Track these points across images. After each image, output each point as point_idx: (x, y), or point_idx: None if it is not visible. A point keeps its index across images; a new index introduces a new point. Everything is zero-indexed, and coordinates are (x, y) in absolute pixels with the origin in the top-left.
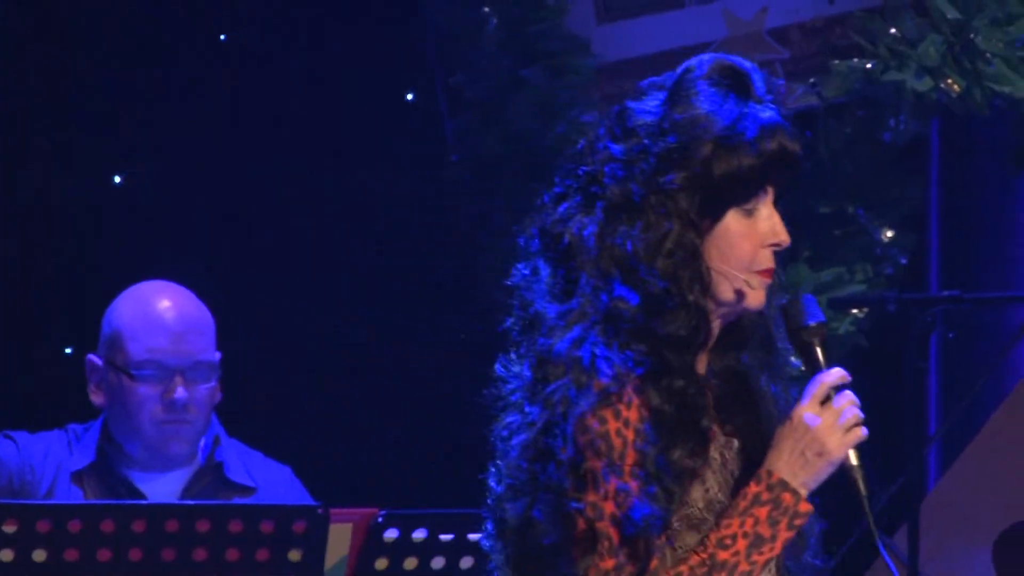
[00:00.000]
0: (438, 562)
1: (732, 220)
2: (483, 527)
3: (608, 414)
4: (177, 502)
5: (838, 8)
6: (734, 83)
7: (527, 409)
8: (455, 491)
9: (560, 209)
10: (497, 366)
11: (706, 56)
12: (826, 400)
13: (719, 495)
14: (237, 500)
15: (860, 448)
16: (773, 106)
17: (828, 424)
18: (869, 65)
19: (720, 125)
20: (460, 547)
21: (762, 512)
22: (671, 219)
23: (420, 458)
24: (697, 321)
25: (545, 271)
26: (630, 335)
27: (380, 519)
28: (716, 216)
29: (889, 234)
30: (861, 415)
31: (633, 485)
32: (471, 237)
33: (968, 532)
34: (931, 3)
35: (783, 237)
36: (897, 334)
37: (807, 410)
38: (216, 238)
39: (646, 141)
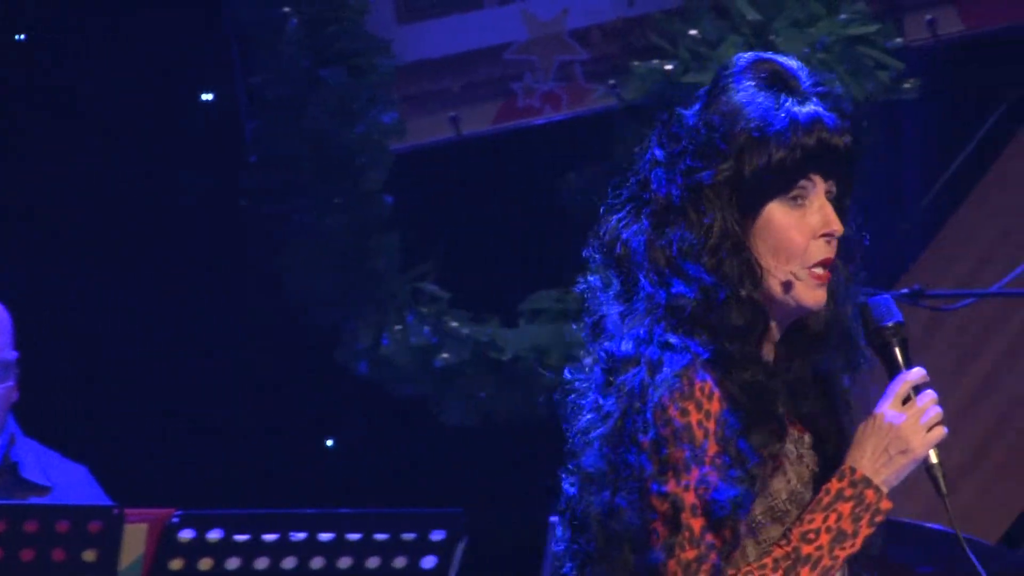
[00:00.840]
0: (233, 562)
1: (777, 212)
2: (554, 532)
3: (690, 406)
4: None
5: (638, 9)
6: (770, 78)
7: (602, 403)
8: (250, 492)
9: (613, 219)
10: (566, 372)
11: (747, 54)
12: (908, 399)
13: (799, 487)
14: (33, 500)
15: (940, 447)
16: (817, 100)
17: (911, 422)
18: (669, 66)
19: (751, 119)
20: (255, 547)
21: (846, 508)
22: (711, 215)
23: (216, 459)
24: (751, 313)
25: (609, 280)
26: (692, 325)
27: (175, 519)
28: (756, 209)
29: None
30: (942, 414)
31: (715, 473)
32: (272, 237)
33: None
34: (731, 4)
35: (834, 227)
36: None
37: (890, 408)
38: (10, 237)
39: (685, 142)
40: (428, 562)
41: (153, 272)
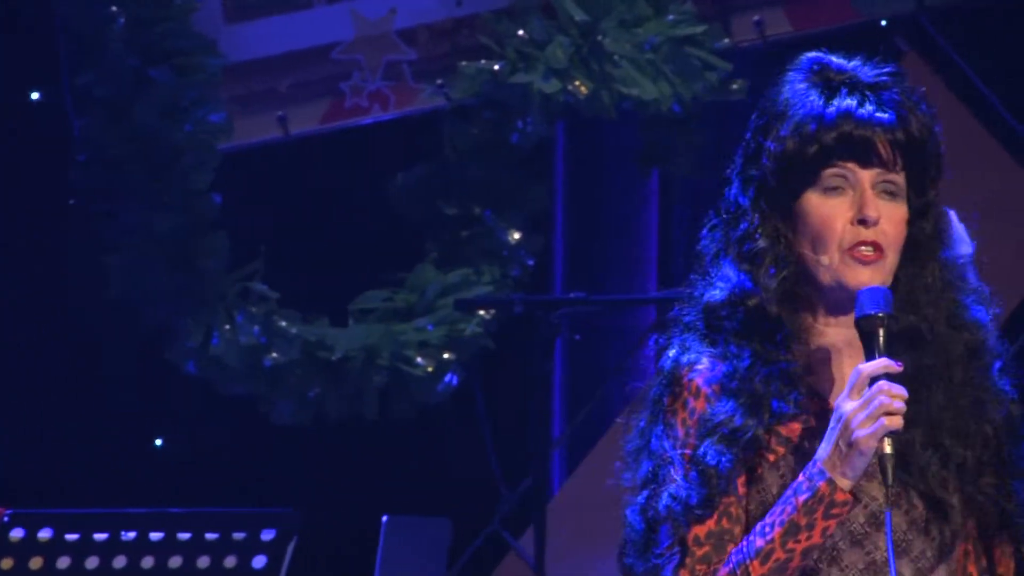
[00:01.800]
0: (63, 562)
1: (813, 202)
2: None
3: (679, 406)
4: None
5: (466, 9)
6: (818, 75)
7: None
8: (81, 491)
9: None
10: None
11: (812, 53)
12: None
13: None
14: None
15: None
16: (861, 95)
17: (857, 414)
18: (497, 67)
19: (786, 113)
20: (86, 547)
21: (799, 500)
22: (756, 211)
23: (46, 458)
24: (749, 305)
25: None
26: (713, 330)
27: (6, 519)
28: (795, 201)
29: (516, 236)
30: (895, 404)
31: (681, 472)
32: (100, 236)
33: (594, 534)
34: (559, 5)
35: (866, 212)
36: (524, 336)
37: (845, 400)
38: None
39: (742, 144)
40: (259, 561)
41: None
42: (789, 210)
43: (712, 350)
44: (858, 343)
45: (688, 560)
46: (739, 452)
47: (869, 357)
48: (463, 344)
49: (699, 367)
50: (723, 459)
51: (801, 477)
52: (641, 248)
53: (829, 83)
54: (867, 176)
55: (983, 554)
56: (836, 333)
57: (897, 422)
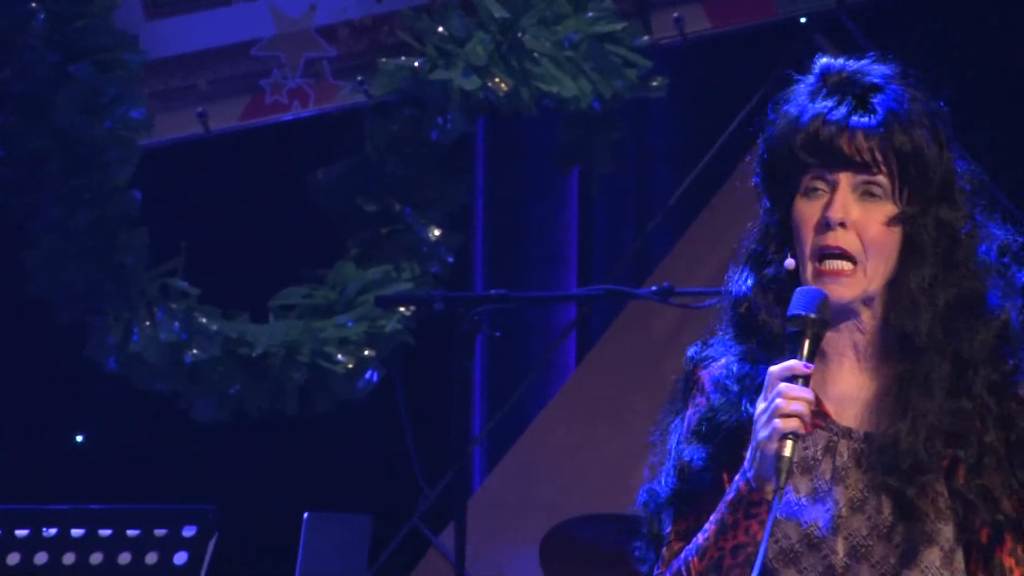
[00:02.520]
0: None
1: (798, 206)
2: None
3: (688, 401)
4: None
5: (386, 7)
6: (821, 77)
7: None
8: (2, 488)
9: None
10: None
11: (828, 59)
12: None
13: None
14: None
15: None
16: (842, 96)
17: (759, 415)
18: (417, 63)
19: (776, 119)
20: (6, 543)
21: (727, 499)
22: (761, 214)
23: None
24: (742, 307)
25: None
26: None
27: None
28: (784, 202)
29: (436, 233)
30: (792, 407)
31: (670, 467)
32: (20, 232)
33: (514, 530)
34: (479, 2)
35: (828, 213)
36: (444, 333)
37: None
38: None
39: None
40: (180, 558)
41: None
42: (786, 214)
43: (737, 347)
44: (851, 346)
45: (665, 553)
46: (714, 450)
47: (792, 356)
48: (383, 341)
49: (714, 364)
50: (697, 456)
51: (737, 476)
52: (561, 245)
53: (820, 87)
54: (844, 178)
55: (990, 555)
56: (833, 339)
57: (792, 424)
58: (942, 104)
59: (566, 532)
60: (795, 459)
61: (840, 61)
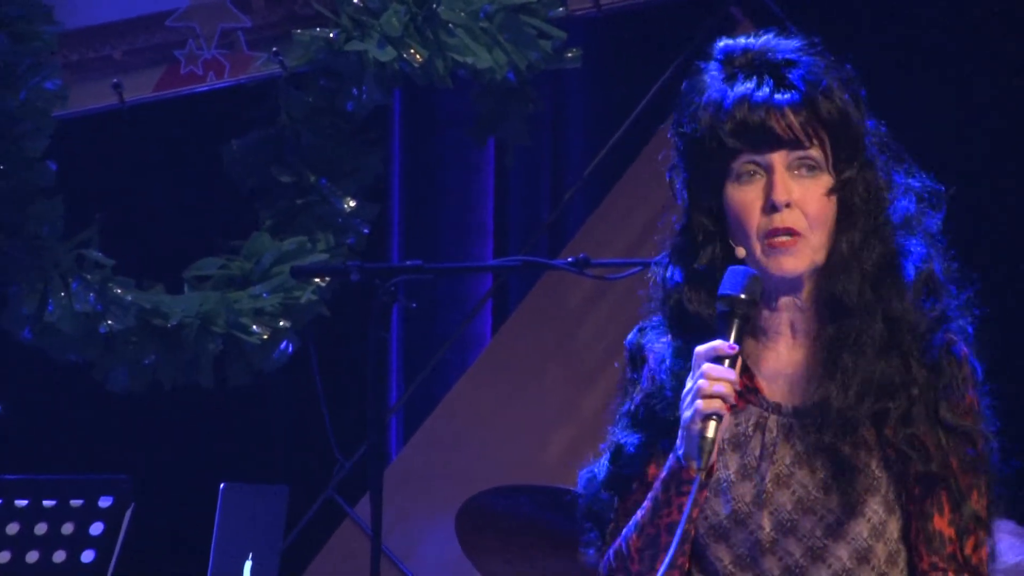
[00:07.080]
0: None
1: (731, 193)
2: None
3: (629, 386)
4: None
5: None
6: (729, 62)
7: None
8: None
9: None
10: None
11: (727, 41)
12: None
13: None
14: None
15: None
16: (760, 77)
17: (683, 395)
18: (332, 35)
19: (689, 108)
20: None
21: (662, 477)
22: (684, 205)
23: None
24: (672, 301)
25: None
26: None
27: None
28: (717, 194)
29: (351, 204)
30: (714, 387)
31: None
32: None
33: (430, 501)
34: None
35: (774, 196)
36: (360, 304)
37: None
38: None
39: (669, 133)
40: (96, 528)
41: None
42: (715, 203)
43: (670, 343)
44: (788, 324)
45: (610, 532)
46: (647, 438)
47: (720, 336)
48: (298, 311)
49: (653, 348)
50: (630, 442)
51: (670, 455)
52: (477, 216)
53: (732, 70)
54: (778, 158)
55: (923, 501)
56: (771, 318)
57: (714, 405)
58: (848, 67)
59: (481, 503)
60: (724, 437)
61: (742, 41)
